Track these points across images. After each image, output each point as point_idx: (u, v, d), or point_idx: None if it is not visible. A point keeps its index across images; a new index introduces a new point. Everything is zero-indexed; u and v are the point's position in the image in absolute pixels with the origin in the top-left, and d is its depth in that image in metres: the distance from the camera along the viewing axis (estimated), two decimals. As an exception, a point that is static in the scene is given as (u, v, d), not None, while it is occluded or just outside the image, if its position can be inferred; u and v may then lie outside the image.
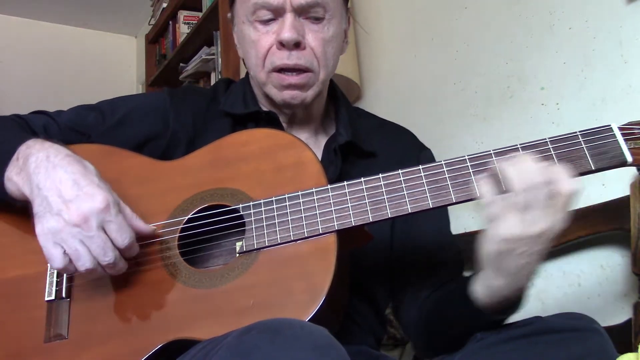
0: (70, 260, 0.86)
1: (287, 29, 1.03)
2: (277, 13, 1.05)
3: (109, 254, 0.86)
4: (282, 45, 1.04)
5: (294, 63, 1.04)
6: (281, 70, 1.05)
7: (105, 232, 0.85)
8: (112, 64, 4.23)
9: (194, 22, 3.31)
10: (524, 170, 0.80)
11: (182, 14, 3.38)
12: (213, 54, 3.02)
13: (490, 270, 0.85)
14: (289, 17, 1.03)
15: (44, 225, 0.85)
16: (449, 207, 0.97)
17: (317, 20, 1.06)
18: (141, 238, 0.94)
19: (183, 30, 3.35)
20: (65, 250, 0.85)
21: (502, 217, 0.80)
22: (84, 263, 0.85)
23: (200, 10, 3.23)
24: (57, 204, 0.85)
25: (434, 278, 1.08)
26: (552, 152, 0.86)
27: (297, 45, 1.04)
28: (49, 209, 0.85)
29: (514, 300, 0.87)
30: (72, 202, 0.84)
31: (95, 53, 4.15)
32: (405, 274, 1.12)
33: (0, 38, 3.82)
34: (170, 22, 3.49)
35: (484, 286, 0.87)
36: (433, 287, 1.07)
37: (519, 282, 0.84)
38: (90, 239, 0.84)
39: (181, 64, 3.33)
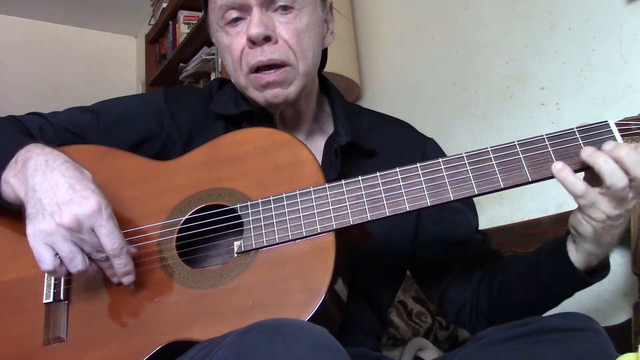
0: (61, 263, 0.86)
1: (254, 24, 1.00)
2: (244, 10, 1.03)
3: (101, 254, 0.86)
4: (252, 43, 1.02)
5: (267, 59, 1.02)
6: (258, 69, 1.03)
7: (96, 236, 0.85)
8: (112, 64, 4.23)
9: (194, 22, 3.31)
10: (625, 163, 0.81)
11: (182, 14, 3.38)
12: (213, 54, 3.01)
13: (590, 244, 0.89)
14: (255, 13, 1.01)
15: (35, 227, 0.85)
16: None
17: (286, 10, 1.03)
18: (138, 239, 0.93)
19: (183, 30, 3.34)
20: (56, 253, 0.85)
21: (601, 202, 0.84)
22: (76, 264, 0.85)
23: (200, 10, 3.22)
24: (51, 206, 0.84)
25: (479, 260, 1.10)
26: (550, 149, 0.86)
27: (267, 39, 1.01)
28: (42, 210, 0.85)
29: (606, 261, 0.94)
30: (65, 205, 0.84)
31: (95, 53, 4.15)
32: (443, 266, 1.13)
33: (0, 38, 3.82)
34: (170, 22, 3.49)
35: (585, 255, 0.91)
36: (481, 266, 1.10)
37: (613, 244, 0.90)
38: (82, 241, 0.85)
39: (181, 64, 3.32)
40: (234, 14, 1.04)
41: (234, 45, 1.04)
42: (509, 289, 1.03)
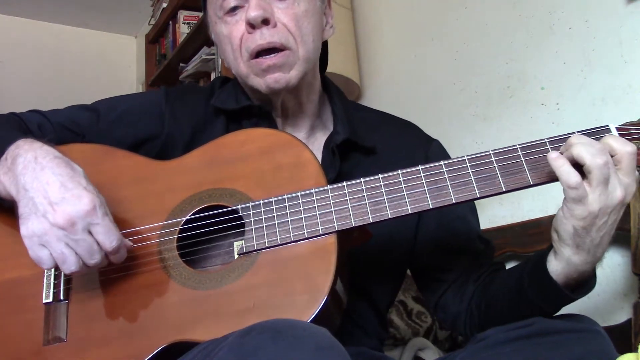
0: None
1: (252, 7, 1.01)
2: None
3: (95, 256, 0.85)
4: (252, 27, 1.02)
5: (267, 42, 1.02)
6: (258, 55, 1.03)
7: (92, 235, 0.84)
8: (112, 64, 4.23)
9: (194, 22, 3.31)
10: (594, 147, 0.81)
11: (182, 14, 3.38)
12: (213, 54, 3.01)
13: (570, 248, 0.86)
14: None
15: (28, 227, 0.84)
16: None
17: None
18: (138, 240, 0.93)
19: (183, 30, 3.34)
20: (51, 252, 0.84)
21: (589, 194, 0.82)
22: (69, 266, 0.84)
23: (200, 10, 3.21)
24: (43, 205, 0.83)
25: (474, 273, 1.09)
26: None
27: (266, 22, 1.02)
28: (34, 210, 0.84)
29: (588, 276, 0.89)
30: (58, 204, 0.83)
31: (95, 53, 4.14)
32: (440, 273, 1.12)
33: (0, 38, 3.82)
34: (170, 22, 3.49)
35: (563, 263, 0.88)
36: (475, 280, 1.08)
37: (596, 255, 0.86)
38: (75, 242, 0.83)
39: (181, 64, 3.32)
40: (232, 2, 1.04)
41: (234, 33, 1.05)
42: (498, 305, 1.01)
